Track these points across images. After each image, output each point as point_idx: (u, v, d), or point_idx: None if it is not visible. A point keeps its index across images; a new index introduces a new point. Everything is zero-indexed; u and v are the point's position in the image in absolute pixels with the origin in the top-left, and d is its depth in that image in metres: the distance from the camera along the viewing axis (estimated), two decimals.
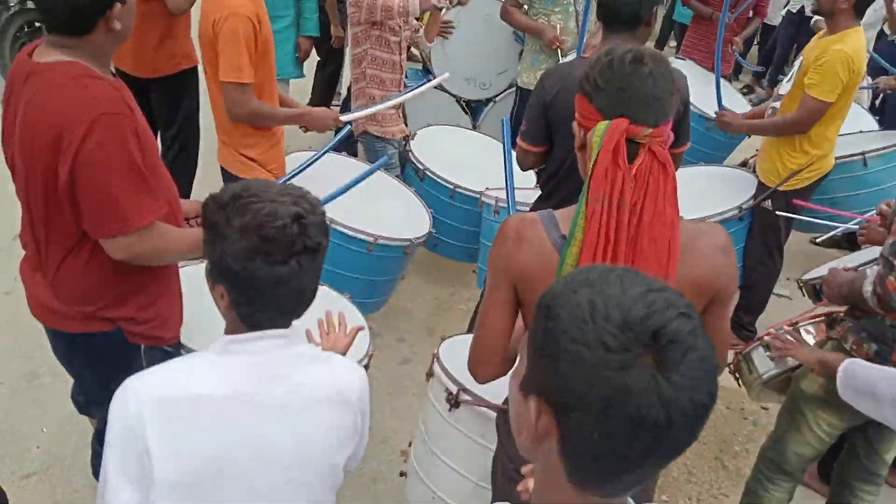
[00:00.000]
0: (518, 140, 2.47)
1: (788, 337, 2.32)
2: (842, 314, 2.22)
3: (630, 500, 0.84)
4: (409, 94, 3.52)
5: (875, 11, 5.37)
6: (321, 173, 3.06)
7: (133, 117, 1.70)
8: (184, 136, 3.78)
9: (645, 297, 0.75)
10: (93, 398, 2.08)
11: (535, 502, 0.83)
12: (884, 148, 3.75)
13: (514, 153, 2.59)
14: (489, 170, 3.75)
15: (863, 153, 3.72)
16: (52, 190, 1.68)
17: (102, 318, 1.86)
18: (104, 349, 1.90)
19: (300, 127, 3.10)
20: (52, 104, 1.63)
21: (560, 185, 2.40)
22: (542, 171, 2.56)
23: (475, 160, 3.92)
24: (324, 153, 2.93)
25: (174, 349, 2.01)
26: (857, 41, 3.15)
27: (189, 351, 2.04)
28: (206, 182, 3.68)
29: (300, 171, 2.83)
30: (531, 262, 1.36)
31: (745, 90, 5.51)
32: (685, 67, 4.00)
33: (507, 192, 2.78)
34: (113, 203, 1.66)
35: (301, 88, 5.68)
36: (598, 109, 1.32)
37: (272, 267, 1.19)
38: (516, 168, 2.61)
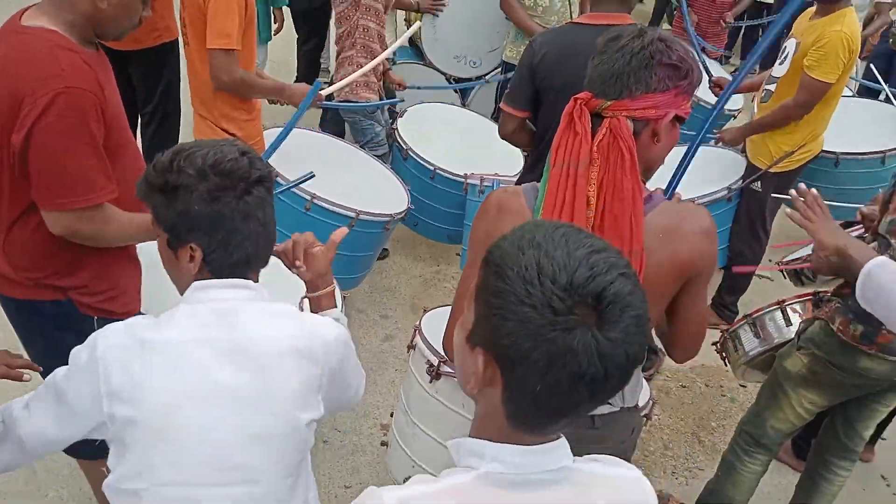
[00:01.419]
0: (501, 104, 2.46)
1: (817, 208, 1.83)
2: (829, 293, 2.21)
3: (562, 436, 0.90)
4: (383, 55, 3.47)
5: None
6: (304, 152, 3.03)
7: (101, 95, 1.68)
8: (163, 109, 3.71)
9: (588, 259, 0.79)
10: (45, 370, 2.03)
11: (474, 436, 0.89)
12: None
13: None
14: (477, 150, 3.74)
15: (883, 151, 3.69)
16: (3, 154, 1.66)
17: (51, 286, 1.82)
18: (53, 319, 1.86)
19: (274, 101, 3.10)
20: (19, 67, 1.60)
21: (545, 153, 2.37)
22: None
23: (463, 140, 3.90)
24: (297, 117, 2.85)
25: None
26: (853, 21, 3.16)
27: None
28: None
29: (281, 140, 2.78)
30: None
31: (735, 73, 5.52)
32: None
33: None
34: (63, 177, 1.64)
35: (288, 69, 5.64)
36: (587, 88, 1.36)
37: (238, 200, 1.23)
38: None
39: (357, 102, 3.63)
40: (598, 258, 0.79)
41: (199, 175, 1.21)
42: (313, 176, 2.39)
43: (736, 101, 4.51)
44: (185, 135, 3.73)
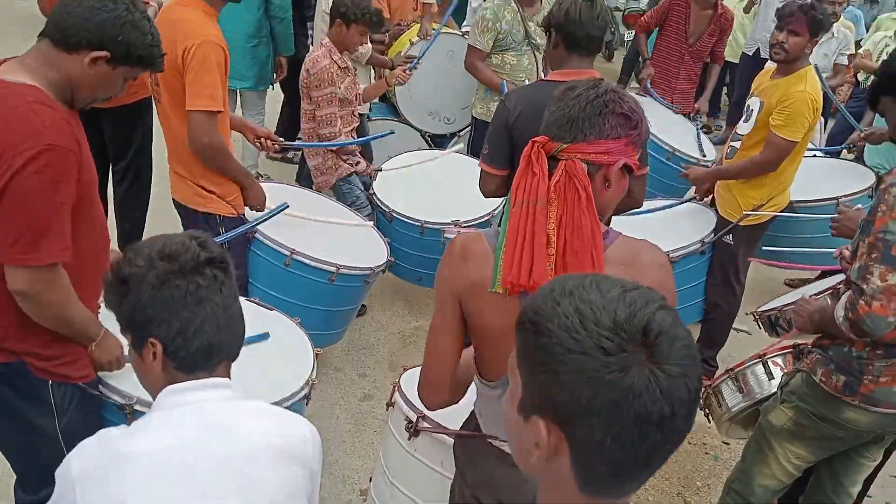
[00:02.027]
0: (480, 164, 2.48)
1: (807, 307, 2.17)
2: (809, 345, 2.22)
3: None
4: (346, 143, 3.59)
5: (825, 57, 5.59)
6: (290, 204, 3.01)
7: (79, 154, 1.68)
8: (136, 167, 3.65)
9: (624, 298, 0.78)
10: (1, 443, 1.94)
11: None
12: (854, 193, 3.82)
13: None
14: (455, 191, 3.72)
15: (836, 198, 3.78)
16: None
17: (5, 349, 1.77)
18: (7, 380, 1.80)
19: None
20: (1, 122, 1.59)
21: None
22: None
23: (440, 183, 3.91)
24: (261, 221, 2.87)
25: (90, 386, 1.91)
26: (814, 79, 3.26)
27: (110, 388, 1.95)
28: (160, 218, 3.60)
29: (262, 221, 2.80)
30: (477, 275, 1.42)
31: (704, 130, 5.65)
32: (644, 103, 4.09)
33: None
34: (31, 231, 1.62)
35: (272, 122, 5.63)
36: (543, 132, 1.42)
37: (187, 283, 1.20)
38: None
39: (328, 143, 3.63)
40: (634, 295, 0.79)
41: (147, 263, 1.20)
42: (287, 206, 2.37)
43: (710, 153, 4.63)
44: (158, 192, 3.69)
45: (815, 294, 2.48)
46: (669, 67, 5.12)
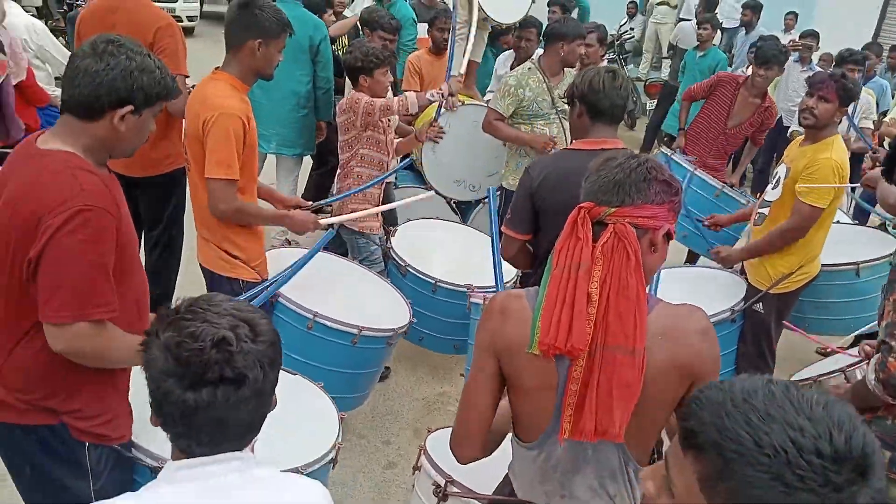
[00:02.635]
0: (503, 228, 2.52)
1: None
2: None
3: None
4: (390, 206, 3.67)
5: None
6: (304, 269, 3.04)
7: (118, 215, 1.72)
8: (168, 235, 3.75)
9: (830, 417, 0.75)
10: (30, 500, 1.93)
11: None
12: (875, 259, 3.78)
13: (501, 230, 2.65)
14: (472, 262, 3.76)
15: (856, 263, 3.75)
16: (17, 272, 1.67)
17: (47, 409, 1.78)
18: (44, 444, 1.80)
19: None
20: (40, 188, 1.65)
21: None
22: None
23: (458, 252, 3.94)
24: (311, 256, 2.93)
25: (124, 448, 1.92)
26: (841, 148, 3.27)
27: (141, 450, 1.96)
28: (190, 283, 3.65)
29: (286, 280, 2.83)
30: (516, 333, 1.43)
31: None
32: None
33: (494, 267, 2.74)
34: (70, 290, 1.64)
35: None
36: (587, 199, 1.43)
37: (183, 391, 1.10)
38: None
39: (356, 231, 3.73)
40: (835, 411, 0.76)
41: (162, 349, 1.12)
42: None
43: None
44: (187, 258, 3.76)
45: (816, 376, 2.43)
46: (702, 142, 5.11)
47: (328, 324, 2.89)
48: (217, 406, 1.11)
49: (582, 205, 1.40)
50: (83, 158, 1.71)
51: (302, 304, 2.89)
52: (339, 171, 3.85)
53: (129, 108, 1.72)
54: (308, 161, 5.45)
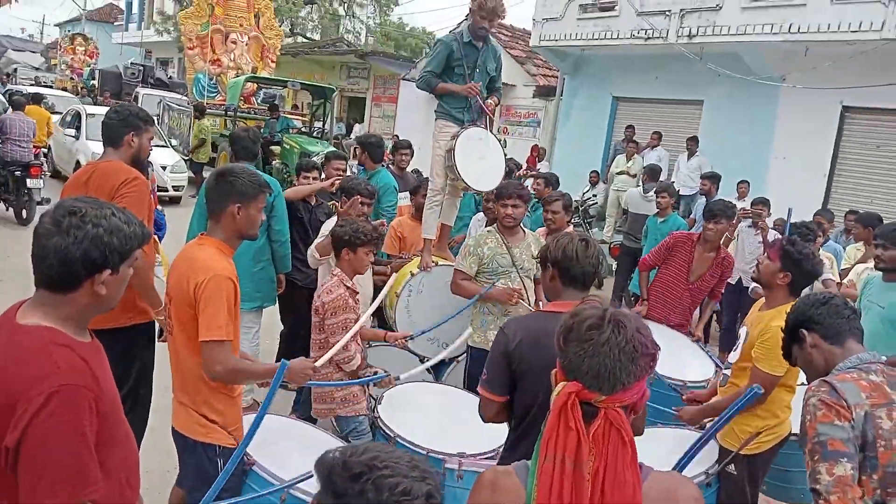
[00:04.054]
0: (480, 389, 2.51)
1: None
2: None
3: None
4: (370, 379, 3.71)
5: None
6: (279, 438, 2.99)
7: (97, 389, 1.68)
8: (135, 393, 3.62)
9: None
10: None
11: None
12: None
13: None
14: (460, 425, 3.70)
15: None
16: None
17: None
18: None
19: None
20: (14, 367, 1.62)
21: (527, 433, 2.37)
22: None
23: (444, 416, 3.91)
24: (268, 402, 2.85)
25: None
26: None
27: None
28: (156, 448, 3.55)
29: (255, 430, 2.76)
30: None
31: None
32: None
33: None
34: (53, 475, 1.58)
35: (272, 339, 5.74)
36: (562, 368, 1.43)
37: None
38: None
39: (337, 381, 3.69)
40: None
41: None
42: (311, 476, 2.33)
43: (706, 373, 4.67)
44: (154, 423, 3.67)
45: None
46: (667, 300, 5.30)
47: (302, 496, 2.80)
48: None
49: (570, 389, 1.38)
50: (61, 331, 1.68)
51: (276, 473, 2.82)
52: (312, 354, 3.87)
53: (108, 271, 1.71)
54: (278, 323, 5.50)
